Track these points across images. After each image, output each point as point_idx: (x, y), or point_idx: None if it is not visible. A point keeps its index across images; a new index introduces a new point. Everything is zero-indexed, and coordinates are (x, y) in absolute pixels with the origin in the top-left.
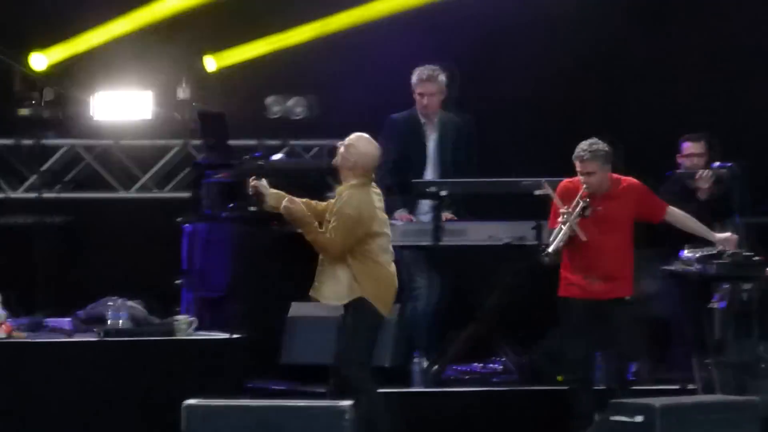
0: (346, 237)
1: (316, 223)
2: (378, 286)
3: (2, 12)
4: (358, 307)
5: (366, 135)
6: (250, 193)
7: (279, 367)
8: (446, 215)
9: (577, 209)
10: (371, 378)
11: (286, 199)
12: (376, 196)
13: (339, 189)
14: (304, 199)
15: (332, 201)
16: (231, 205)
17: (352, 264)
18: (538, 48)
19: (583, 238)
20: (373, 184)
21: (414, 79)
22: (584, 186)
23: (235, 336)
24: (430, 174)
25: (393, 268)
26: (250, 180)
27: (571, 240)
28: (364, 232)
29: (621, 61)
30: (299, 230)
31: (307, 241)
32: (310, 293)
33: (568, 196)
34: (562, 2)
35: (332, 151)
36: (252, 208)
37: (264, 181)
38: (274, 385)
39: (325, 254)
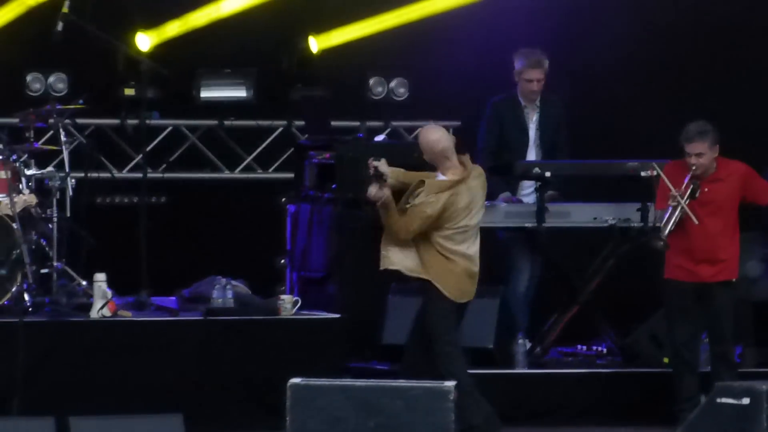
0: (418, 229)
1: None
2: (446, 276)
3: None
4: (427, 291)
5: (428, 127)
6: (371, 173)
7: (381, 348)
8: (552, 195)
9: (688, 191)
10: (461, 360)
11: (401, 173)
12: (468, 186)
13: (430, 181)
14: (402, 171)
15: (425, 177)
16: (333, 186)
17: (422, 249)
18: (643, 27)
19: (695, 221)
20: (477, 169)
21: (519, 64)
22: (693, 168)
23: (337, 316)
24: (532, 156)
25: (465, 262)
26: (370, 160)
27: (679, 223)
28: (437, 228)
29: (727, 42)
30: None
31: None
32: (380, 265)
33: (675, 179)
34: None
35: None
36: (373, 188)
37: (383, 160)
38: (376, 365)
39: (394, 236)
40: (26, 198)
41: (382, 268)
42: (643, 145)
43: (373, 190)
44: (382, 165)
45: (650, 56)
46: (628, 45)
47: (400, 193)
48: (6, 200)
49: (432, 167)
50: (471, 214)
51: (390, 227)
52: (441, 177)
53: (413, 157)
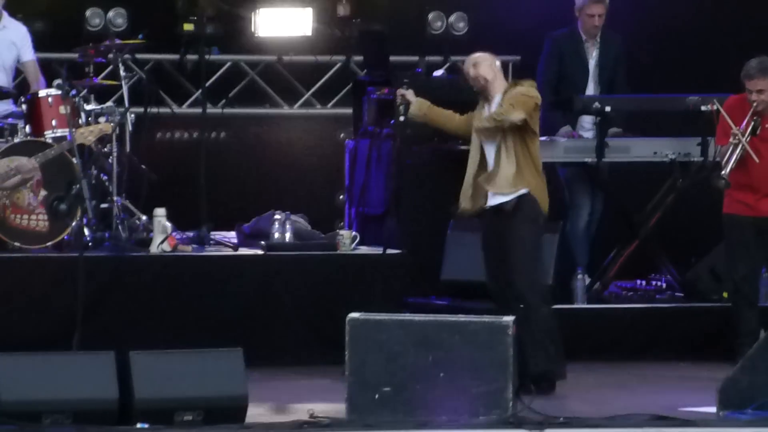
0: (525, 110)
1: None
2: (539, 183)
3: None
4: (522, 206)
5: (477, 52)
6: (398, 102)
7: (440, 283)
8: (616, 131)
9: (749, 128)
10: (542, 291)
11: (426, 105)
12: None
13: (489, 103)
14: (448, 111)
15: (455, 118)
16: (392, 121)
17: (519, 153)
18: None
19: (756, 159)
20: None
21: (581, 0)
22: (754, 104)
23: (396, 251)
24: (591, 91)
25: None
26: (398, 90)
27: (740, 159)
28: (525, 131)
29: None
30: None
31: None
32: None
33: (735, 114)
34: None
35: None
36: (401, 118)
37: (411, 91)
38: (435, 300)
39: (499, 123)
40: (102, 127)
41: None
42: (705, 80)
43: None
44: (409, 94)
45: None
46: None
47: (422, 127)
48: (83, 129)
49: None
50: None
51: (499, 117)
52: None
53: (469, 92)
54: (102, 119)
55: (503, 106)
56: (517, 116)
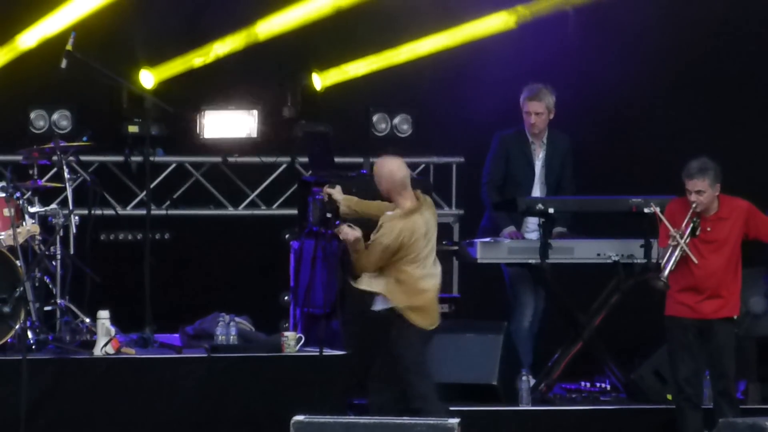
0: (378, 261)
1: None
2: (412, 301)
3: (111, 29)
4: (395, 321)
5: (384, 157)
6: (325, 199)
7: None
8: (560, 231)
9: (688, 230)
10: (432, 389)
11: (354, 201)
12: (422, 217)
13: (385, 216)
14: (376, 202)
15: (385, 208)
16: (337, 222)
17: (388, 279)
18: (641, 64)
19: (695, 260)
20: (427, 200)
21: (522, 97)
22: (693, 205)
23: (340, 352)
24: (537, 192)
25: (432, 287)
26: (325, 188)
27: (681, 260)
28: (399, 258)
29: (725, 80)
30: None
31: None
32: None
33: (677, 216)
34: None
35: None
36: (328, 215)
37: (338, 188)
38: None
39: (358, 270)
40: (29, 228)
41: (355, 285)
42: (650, 181)
43: (345, 229)
44: (336, 192)
45: (655, 93)
46: (632, 82)
47: (354, 221)
48: (7, 234)
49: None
50: (430, 242)
51: (356, 262)
52: (393, 211)
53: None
54: (30, 221)
55: (368, 244)
56: (369, 269)
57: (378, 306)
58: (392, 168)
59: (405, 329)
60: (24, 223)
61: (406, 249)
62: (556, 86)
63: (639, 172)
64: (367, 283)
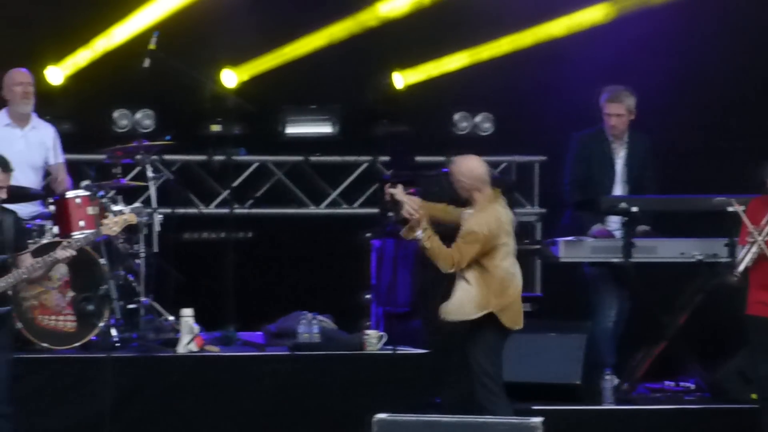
0: (469, 251)
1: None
2: (500, 300)
3: (193, 29)
4: (483, 324)
5: (465, 156)
6: (387, 199)
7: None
8: (644, 230)
9: (767, 228)
10: (502, 393)
11: (424, 229)
12: (502, 209)
13: (465, 214)
14: (441, 204)
15: (452, 211)
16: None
17: (479, 279)
18: (728, 63)
19: None
20: (501, 197)
21: (602, 99)
22: None
23: (423, 351)
24: (618, 191)
25: (519, 279)
26: (387, 188)
27: (760, 259)
28: (489, 250)
29: None
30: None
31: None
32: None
33: (758, 213)
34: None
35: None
36: (390, 214)
37: (400, 188)
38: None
39: (443, 266)
40: (126, 217)
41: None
42: (734, 179)
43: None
44: (399, 193)
45: (738, 91)
46: (713, 81)
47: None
48: (108, 221)
49: (456, 201)
50: (511, 236)
51: (437, 257)
52: (471, 209)
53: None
54: (127, 210)
55: (457, 239)
56: (444, 266)
57: (467, 317)
58: (472, 165)
59: (487, 330)
60: (121, 211)
61: (495, 238)
62: (637, 84)
63: (722, 171)
64: (458, 311)
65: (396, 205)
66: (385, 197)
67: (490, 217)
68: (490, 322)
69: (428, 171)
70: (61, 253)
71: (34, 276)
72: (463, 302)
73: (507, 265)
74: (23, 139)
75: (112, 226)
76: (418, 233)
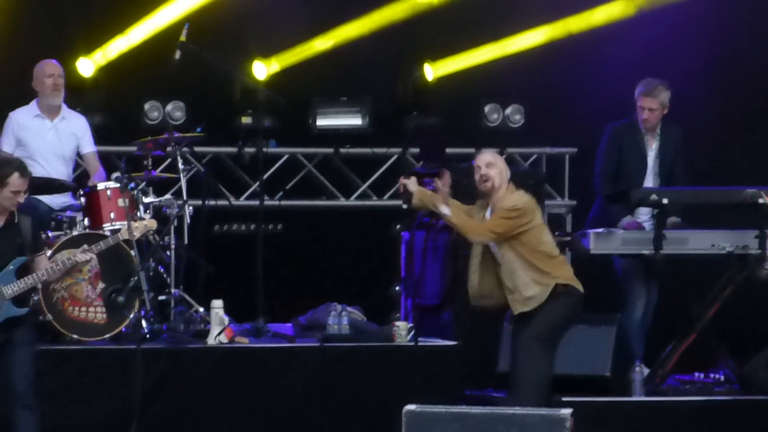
0: (511, 226)
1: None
2: (564, 271)
3: (224, 21)
4: (555, 296)
5: (491, 153)
6: (400, 191)
7: (497, 375)
8: (674, 221)
9: None
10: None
11: (428, 195)
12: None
13: (494, 201)
14: (429, 193)
15: (465, 209)
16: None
17: (533, 262)
18: (762, 54)
19: None
20: None
21: (637, 91)
22: None
23: (453, 343)
24: (649, 183)
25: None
26: (402, 179)
27: None
28: (533, 225)
29: None
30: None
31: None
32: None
33: None
34: None
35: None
36: (403, 206)
37: (413, 179)
38: (491, 392)
39: (472, 237)
40: (147, 223)
41: (516, 312)
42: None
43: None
44: (411, 184)
45: None
46: (745, 72)
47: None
48: (125, 226)
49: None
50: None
51: (464, 228)
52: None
53: (527, 184)
54: (147, 215)
55: (494, 218)
56: (477, 236)
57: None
58: (502, 164)
59: (556, 304)
60: (141, 218)
61: (532, 212)
62: (669, 75)
63: (753, 163)
64: (522, 303)
65: (407, 195)
66: (398, 187)
67: (524, 195)
68: (556, 296)
69: (458, 163)
70: (81, 257)
71: (53, 278)
72: (530, 289)
73: (551, 240)
74: (53, 130)
75: (133, 231)
76: (444, 209)
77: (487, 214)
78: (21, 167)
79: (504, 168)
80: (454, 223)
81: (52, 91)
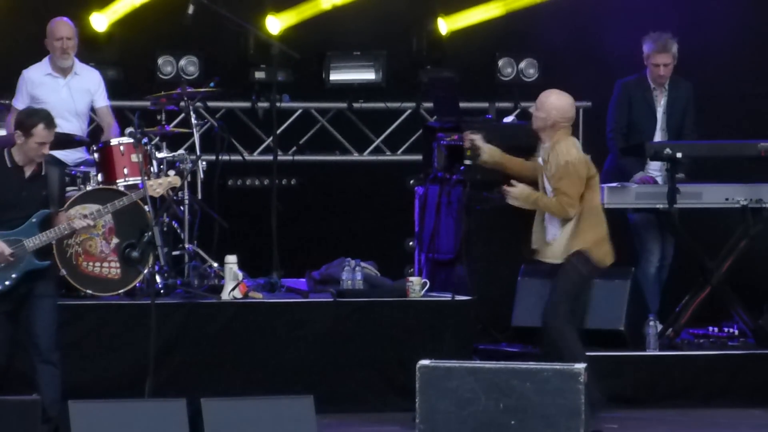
0: (578, 187)
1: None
2: (598, 233)
3: None
4: (573, 260)
5: (555, 90)
6: (466, 146)
7: (511, 329)
8: (679, 177)
9: None
10: (575, 333)
11: (498, 154)
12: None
13: (544, 148)
14: (519, 159)
15: (540, 161)
16: (462, 167)
17: (577, 215)
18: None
19: None
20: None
21: (647, 48)
22: None
23: (466, 298)
24: (659, 137)
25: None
26: (467, 134)
27: None
28: (589, 175)
29: None
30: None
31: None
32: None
33: None
34: None
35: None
36: (467, 162)
37: (480, 136)
38: (505, 347)
39: (562, 215)
40: (171, 179)
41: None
42: None
43: (515, 192)
44: (478, 140)
45: None
46: (754, 24)
47: (492, 172)
48: (152, 182)
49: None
50: None
51: (548, 208)
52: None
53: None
54: (171, 172)
55: (552, 182)
56: (560, 212)
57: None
58: (569, 102)
59: (576, 267)
60: (166, 174)
61: (587, 163)
62: (679, 29)
63: (766, 116)
64: (552, 252)
65: (475, 150)
66: (464, 144)
67: (571, 146)
68: (578, 259)
69: (472, 117)
70: (79, 223)
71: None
72: (563, 242)
73: (597, 197)
74: (66, 87)
75: (156, 187)
76: (525, 192)
77: (541, 152)
78: (48, 118)
79: (560, 108)
80: (538, 204)
81: (62, 54)
